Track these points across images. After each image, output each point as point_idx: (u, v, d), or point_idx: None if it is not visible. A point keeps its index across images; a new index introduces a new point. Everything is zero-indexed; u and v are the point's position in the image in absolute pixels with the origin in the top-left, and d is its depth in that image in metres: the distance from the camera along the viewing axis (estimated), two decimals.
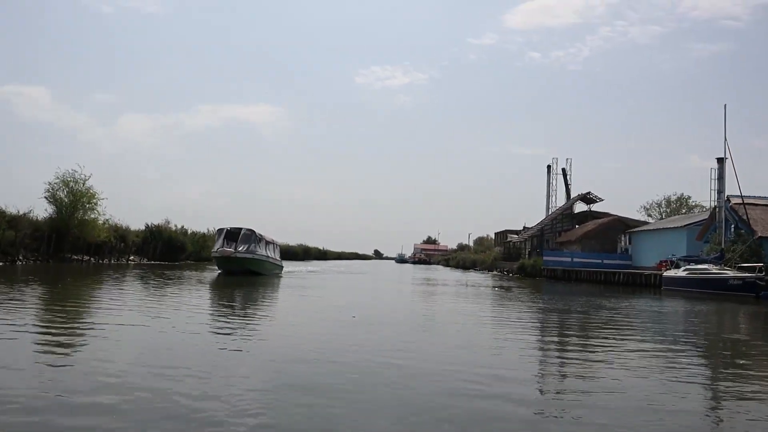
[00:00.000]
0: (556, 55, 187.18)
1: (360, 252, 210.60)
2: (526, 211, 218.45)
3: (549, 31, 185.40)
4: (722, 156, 36.79)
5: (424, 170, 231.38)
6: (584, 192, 67.59)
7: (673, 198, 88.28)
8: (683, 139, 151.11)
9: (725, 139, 34.39)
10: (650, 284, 40.68)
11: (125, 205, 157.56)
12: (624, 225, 57.83)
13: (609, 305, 22.14)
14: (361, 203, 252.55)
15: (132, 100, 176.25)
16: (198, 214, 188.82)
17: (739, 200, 36.71)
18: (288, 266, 53.44)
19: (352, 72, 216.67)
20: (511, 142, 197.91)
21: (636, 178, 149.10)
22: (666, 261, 45.39)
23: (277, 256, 39.50)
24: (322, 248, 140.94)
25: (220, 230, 34.94)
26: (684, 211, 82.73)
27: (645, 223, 61.74)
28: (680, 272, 34.71)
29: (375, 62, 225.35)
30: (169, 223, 49.86)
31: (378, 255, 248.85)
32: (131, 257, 43.73)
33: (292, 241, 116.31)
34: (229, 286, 25.30)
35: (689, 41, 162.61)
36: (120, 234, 43.10)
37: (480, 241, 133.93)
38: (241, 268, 32.55)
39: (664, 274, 36.80)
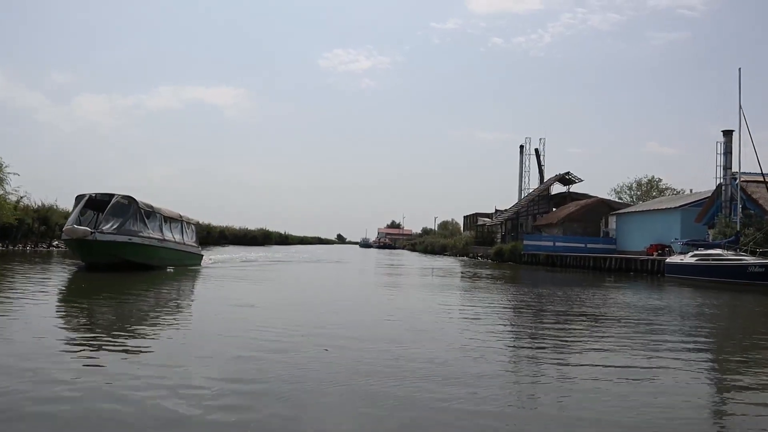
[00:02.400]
0: (518, 41, 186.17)
1: (323, 237, 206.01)
2: (494, 194, 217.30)
3: (512, 16, 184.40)
4: (730, 128, 32.92)
5: (388, 154, 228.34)
6: (562, 172, 63.54)
7: (644, 181, 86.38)
8: (642, 125, 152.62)
9: (740, 107, 30.21)
10: (646, 270, 36.79)
11: (85, 189, 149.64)
12: (608, 207, 54.05)
13: (623, 300, 17.65)
14: (325, 187, 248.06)
15: (89, 79, 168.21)
16: (161, 198, 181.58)
17: (748, 178, 32.90)
18: (230, 252, 47.17)
19: (316, 55, 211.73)
20: (476, 127, 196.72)
21: (597, 164, 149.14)
22: (657, 245, 41.68)
23: (190, 240, 27.36)
24: (284, 233, 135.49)
25: (79, 197, 22.32)
26: (654, 194, 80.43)
27: (629, 204, 58.10)
28: (687, 258, 30.62)
29: (338, 45, 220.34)
30: None
31: (341, 239, 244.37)
32: (55, 242, 37.31)
33: (253, 225, 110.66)
34: (80, 291, 15.32)
35: (648, 29, 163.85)
36: (41, 215, 36.67)
37: (444, 225, 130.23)
38: (108, 259, 20.56)
39: (668, 260, 32.73)
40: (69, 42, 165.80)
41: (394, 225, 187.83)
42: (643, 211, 47.06)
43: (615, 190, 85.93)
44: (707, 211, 37.06)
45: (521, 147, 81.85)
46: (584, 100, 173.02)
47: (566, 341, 9.29)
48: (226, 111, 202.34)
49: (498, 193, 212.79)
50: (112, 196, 22.09)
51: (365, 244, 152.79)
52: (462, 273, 32.78)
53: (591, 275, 35.39)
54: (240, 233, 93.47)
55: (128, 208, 22.05)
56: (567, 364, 7.38)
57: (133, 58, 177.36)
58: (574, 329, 10.82)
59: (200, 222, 76.74)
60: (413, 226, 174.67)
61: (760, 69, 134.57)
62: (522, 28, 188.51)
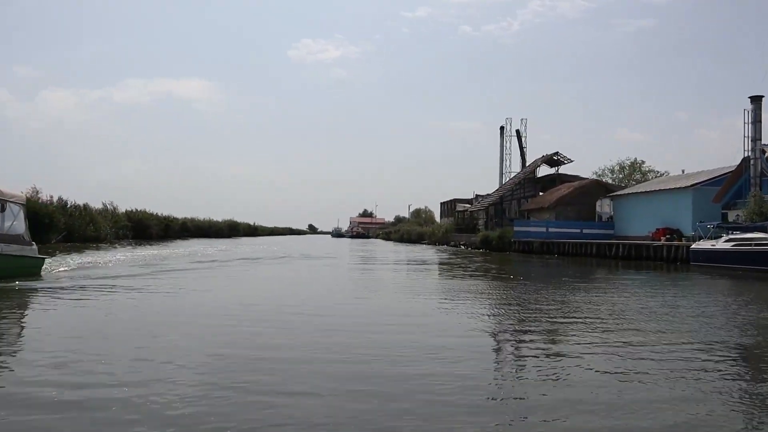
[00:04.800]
0: (488, 28, 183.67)
1: (294, 227, 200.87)
2: (470, 181, 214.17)
3: (481, 4, 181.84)
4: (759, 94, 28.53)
5: (360, 143, 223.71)
6: (550, 152, 59.05)
7: (627, 163, 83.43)
8: (612, 112, 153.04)
9: None
10: (660, 258, 32.45)
11: (56, 186, 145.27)
12: (604, 188, 49.80)
13: (708, 311, 12.91)
14: (296, 176, 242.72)
15: (55, 74, 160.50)
16: (132, 193, 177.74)
17: None
18: (173, 247, 39.81)
19: (285, 46, 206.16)
20: (446, 116, 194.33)
21: (569, 150, 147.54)
22: (665, 229, 37.51)
23: (9, 231, 15.54)
24: (252, 224, 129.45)
25: None
26: (637, 176, 77.10)
27: (624, 186, 54.01)
28: (720, 243, 26.20)
29: (307, 35, 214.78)
30: (38, 193, 37.70)
31: (313, 230, 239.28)
32: None
33: (224, 217, 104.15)
34: None
35: (616, 16, 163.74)
36: None
37: (417, 213, 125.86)
38: None
39: (694, 246, 28.29)
40: (30, 35, 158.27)
41: (366, 214, 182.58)
42: (646, 192, 42.77)
43: (596, 173, 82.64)
44: (728, 190, 32.84)
45: (501, 128, 77.33)
46: (554, 88, 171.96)
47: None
48: (196, 104, 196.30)
49: (474, 179, 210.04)
50: None
51: (337, 234, 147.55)
52: (458, 268, 27.91)
53: (597, 265, 31.00)
54: (204, 225, 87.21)
55: None
56: None
57: (99, 51, 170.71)
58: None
59: (159, 214, 70.30)
60: (386, 214, 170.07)
61: (726, 55, 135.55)
62: (492, 16, 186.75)
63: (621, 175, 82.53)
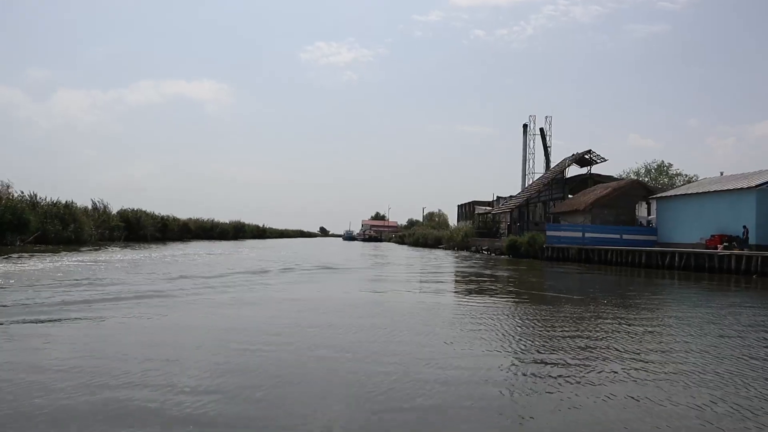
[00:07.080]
0: (501, 33, 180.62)
1: (305, 229, 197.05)
2: (484, 183, 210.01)
3: (494, 8, 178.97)
4: None
5: (372, 146, 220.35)
6: (581, 151, 54.02)
7: (654, 166, 78.38)
8: (624, 118, 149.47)
9: None
10: (728, 270, 27.62)
11: (66, 186, 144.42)
12: (645, 189, 44.82)
13: None
14: (307, 179, 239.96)
15: (69, 75, 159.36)
16: (142, 194, 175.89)
17: None
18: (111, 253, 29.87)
19: (297, 48, 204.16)
20: (458, 120, 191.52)
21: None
22: (722, 235, 32.58)
23: None
24: (261, 225, 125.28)
25: None
26: (664, 180, 72.05)
27: (667, 187, 48.94)
28: None
29: (320, 38, 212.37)
30: (9, 187, 33.41)
31: (324, 232, 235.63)
32: None
33: (234, 219, 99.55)
34: None
35: (629, 22, 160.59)
36: None
37: (431, 217, 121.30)
38: None
39: None
40: (46, 37, 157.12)
41: (378, 217, 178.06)
42: (696, 193, 37.67)
43: (621, 176, 77.92)
44: None
45: (525, 126, 72.75)
46: (567, 92, 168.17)
47: None
48: (207, 105, 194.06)
49: (487, 181, 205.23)
50: None
51: (349, 237, 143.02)
52: (505, 285, 23.15)
53: (646, 276, 26.27)
54: (207, 226, 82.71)
55: None
56: None
57: (113, 53, 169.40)
58: None
59: (157, 213, 65.11)
60: (398, 217, 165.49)
61: (738, 62, 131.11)
62: (504, 21, 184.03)
63: (647, 179, 77.60)
